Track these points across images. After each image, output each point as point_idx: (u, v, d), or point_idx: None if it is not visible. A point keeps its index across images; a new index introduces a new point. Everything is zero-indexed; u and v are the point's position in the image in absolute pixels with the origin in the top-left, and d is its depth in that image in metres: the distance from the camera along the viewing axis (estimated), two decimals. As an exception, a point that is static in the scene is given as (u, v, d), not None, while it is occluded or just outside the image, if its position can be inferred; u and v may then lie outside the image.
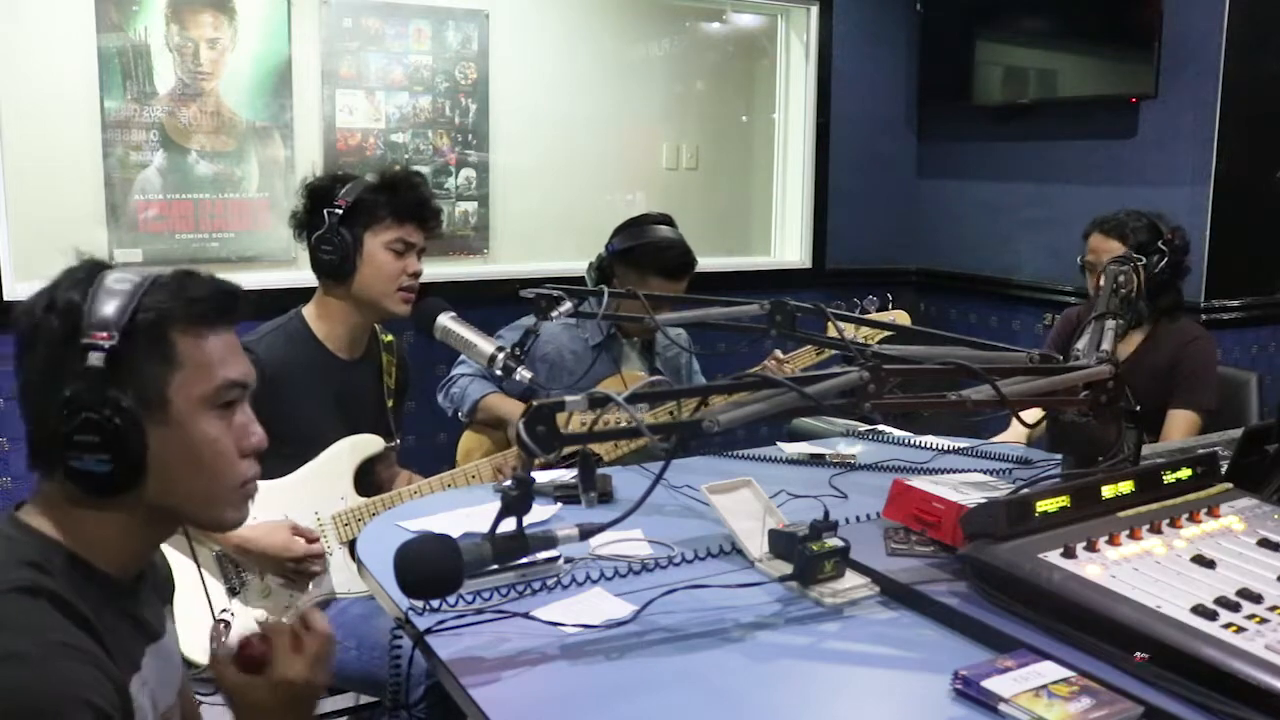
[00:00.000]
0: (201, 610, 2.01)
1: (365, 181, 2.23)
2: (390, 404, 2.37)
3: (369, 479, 2.29)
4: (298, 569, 2.08)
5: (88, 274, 1.11)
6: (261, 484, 2.13)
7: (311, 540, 2.10)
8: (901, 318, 2.49)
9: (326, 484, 2.18)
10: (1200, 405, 2.66)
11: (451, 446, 2.85)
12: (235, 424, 1.17)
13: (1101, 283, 2.70)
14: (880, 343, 2.13)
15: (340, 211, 2.18)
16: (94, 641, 1.04)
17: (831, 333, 1.88)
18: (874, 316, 2.45)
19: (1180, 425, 2.65)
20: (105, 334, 1.06)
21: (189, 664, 1.89)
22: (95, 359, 1.06)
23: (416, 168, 3.66)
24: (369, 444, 2.24)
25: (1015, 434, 2.59)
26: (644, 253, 2.75)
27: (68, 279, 1.11)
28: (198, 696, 1.89)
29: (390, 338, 2.41)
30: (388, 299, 2.22)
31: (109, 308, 1.08)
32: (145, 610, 1.19)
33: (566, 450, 2.36)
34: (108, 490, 1.08)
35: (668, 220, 2.85)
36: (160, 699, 1.18)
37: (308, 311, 2.28)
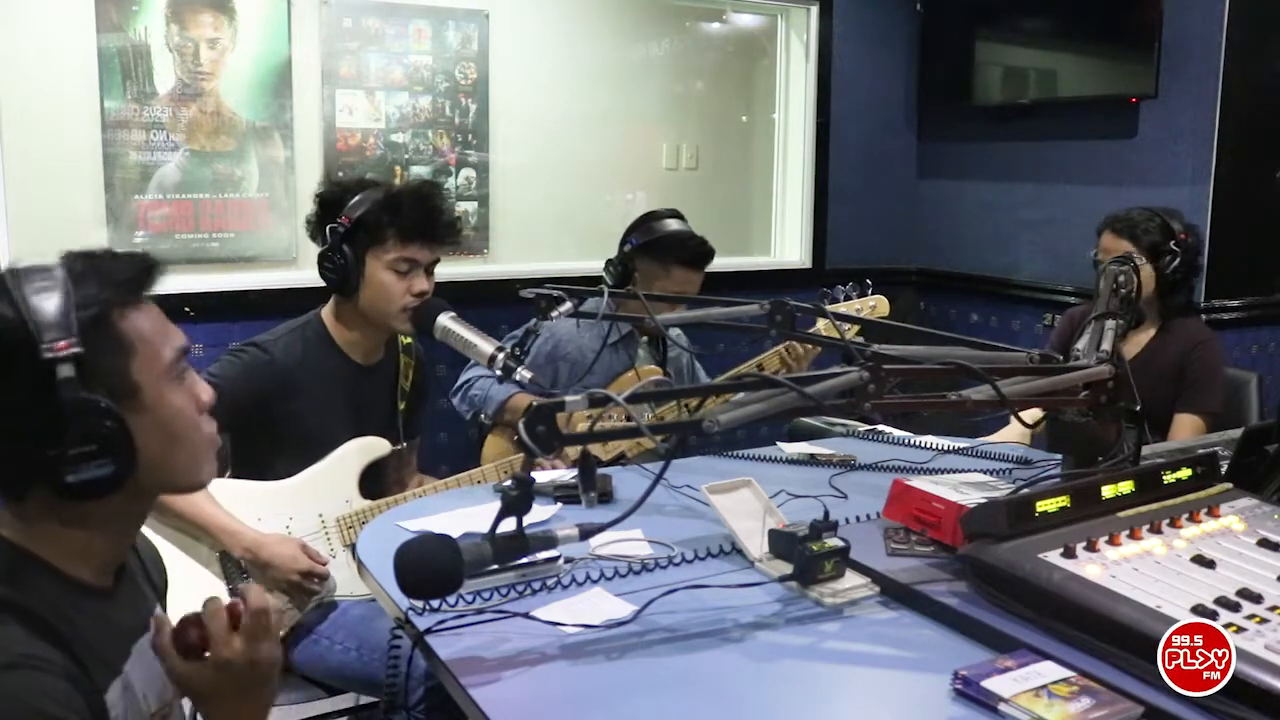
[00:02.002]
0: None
1: (373, 195, 2.18)
2: (402, 407, 2.36)
3: (376, 482, 2.28)
4: (299, 584, 2.08)
5: None
6: (267, 485, 2.15)
7: (318, 562, 2.10)
8: (881, 304, 2.50)
9: (331, 486, 2.18)
10: (1207, 409, 2.67)
11: (454, 447, 2.85)
12: (188, 387, 1.16)
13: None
14: (862, 337, 2.14)
15: (343, 230, 2.15)
16: (63, 653, 1.03)
17: (830, 330, 1.89)
18: (854, 304, 2.46)
19: (1187, 429, 2.65)
20: (66, 342, 1.02)
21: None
22: (66, 370, 1.02)
23: (416, 167, 3.66)
24: (375, 447, 2.23)
25: (1014, 433, 2.59)
26: (666, 245, 2.81)
27: None
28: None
29: (409, 340, 2.39)
30: (391, 319, 2.19)
31: (55, 314, 1.03)
32: (126, 611, 1.17)
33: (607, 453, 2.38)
34: (108, 491, 1.06)
35: (678, 215, 2.91)
36: (152, 695, 1.18)
37: (326, 314, 2.27)
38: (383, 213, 2.16)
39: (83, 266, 1.09)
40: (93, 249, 1.13)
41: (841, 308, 2.41)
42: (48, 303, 1.03)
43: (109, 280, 1.09)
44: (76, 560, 1.10)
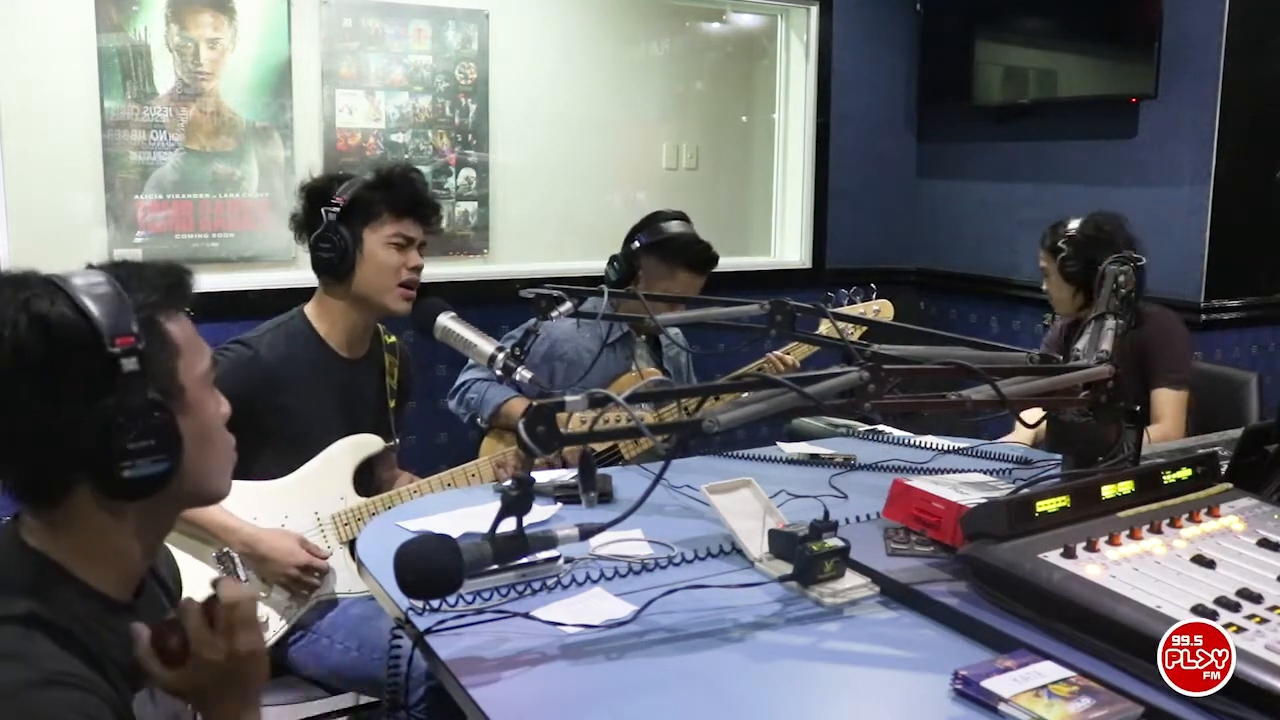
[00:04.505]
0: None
1: (362, 179, 2.23)
2: (392, 404, 2.37)
3: (368, 479, 2.29)
4: (298, 578, 2.08)
5: (43, 282, 1.06)
6: (262, 484, 2.16)
7: (317, 555, 2.10)
8: (886, 309, 2.51)
9: (326, 483, 2.18)
10: (1178, 379, 2.67)
11: (453, 447, 2.86)
12: (217, 396, 1.19)
13: (1044, 288, 2.82)
14: (862, 338, 2.15)
15: (338, 210, 2.18)
16: (91, 667, 1.03)
17: (829, 331, 1.89)
18: (859, 307, 2.47)
19: (1167, 404, 2.65)
20: (129, 338, 1.05)
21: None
22: (130, 365, 1.04)
23: (414, 165, 3.66)
24: (369, 444, 2.24)
25: (1021, 435, 2.60)
26: (673, 247, 2.82)
27: (26, 291, 1.04)
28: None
29: (394, 339, 2.41)
30: (388, 295, 2.22)
31: (116, 312, 1.05)
32: (146, 623, 1.17)
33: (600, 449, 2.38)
34: (157, 489, 1.07)
35: (684, 217, 2.92)
36: (168, 707, 1.18)
37: (309, 310, 2.28)
38: (375, 191, 2.21)
39: (126, 273, 1.11)
40: (124, 260, 1.15)
41: (846, 312, 2.41)
42: (105, 303, 1.05)
43: (154, 286, 1.11)
44: (102, 572, 1.10)
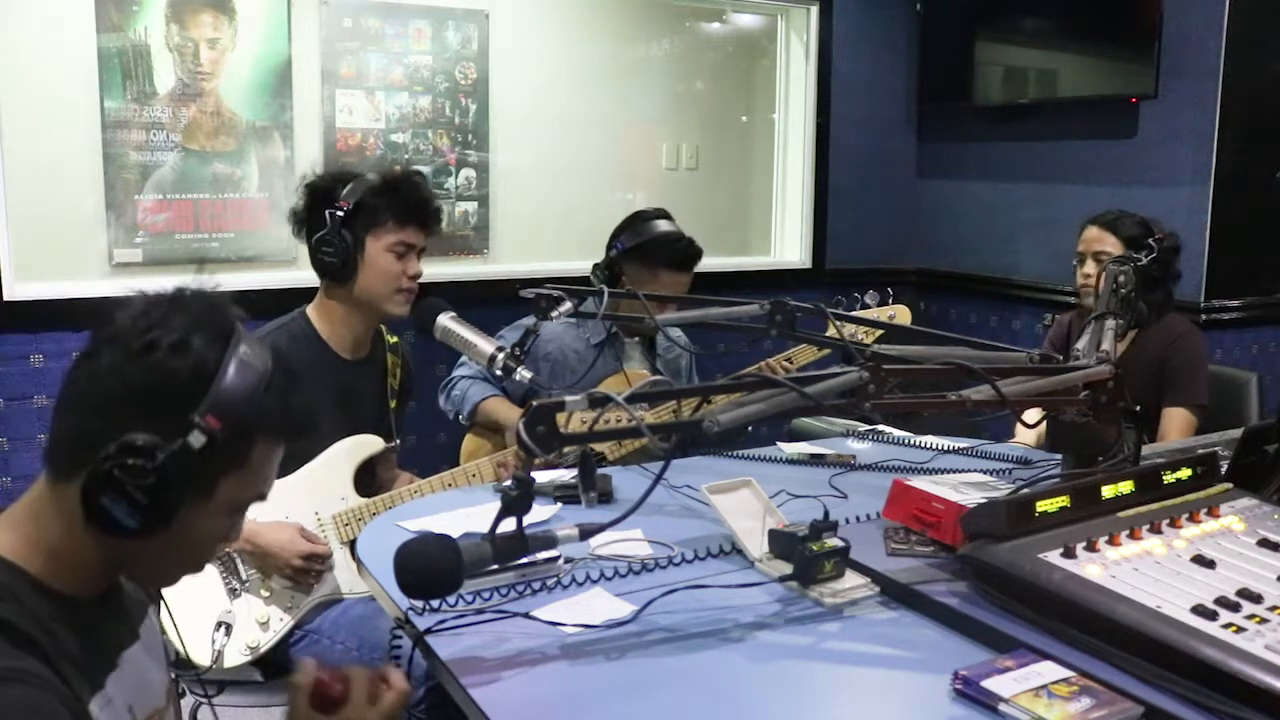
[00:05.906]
0: (203, 612, 2.02)
1: (367, 182, 2.22)
2: (393, 405, 2.37)
3: (369, 479, 2.29)
4: (301, 569, 2.08)
5: (224, 334, 1.08)
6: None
7: (317, 544, 2.10)
8: (902, 313, 2.49)
9: (326, 484, 2.19)
10: (1193, 401, 2.67)
11: (451, 447, 2.85)
12: (234, 523, 1.17)
13: (1087, 272, 2.72)
14: (877, 341, 2.14)
15: (342, 213, 2.18)
16: (46, 665, 1.02)
17: (831, 332, 1.89)
18: (874, 312, 2.46)
19: (1177, 423, 2.65)
20: (219, 423, 1.04)
21: (191, 665, 1.88)
22: (196, 440, 1.04)
23: (417, 167, 3.66)
24: (369, 444, 2.24)
25: (1024, 436, 2.60)
26: (653, 247, 2.78)
27: (206, 327, 1.07)
28: (196, 697, 1.89)
29: (395, 339, 2.41)
30: (387, 301, 2.23)
31: (234, 397, 1.06)
32: (113, 623, 1.17)
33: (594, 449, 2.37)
34: (111, 533, 1.05)
35: (665, 214, 2.88)
36: (140, 706, 1.17)
37: (311, 311, 2.28)
38: (380, 197, 2.21)
39: (285, 381, 1.12)
40: (296, 372, 1.16)
41: (864, 315, 2.39)
42: (237, 384, 1.06)
43: (285, 412, 1.12)
44: (63, 577, 1.09)
